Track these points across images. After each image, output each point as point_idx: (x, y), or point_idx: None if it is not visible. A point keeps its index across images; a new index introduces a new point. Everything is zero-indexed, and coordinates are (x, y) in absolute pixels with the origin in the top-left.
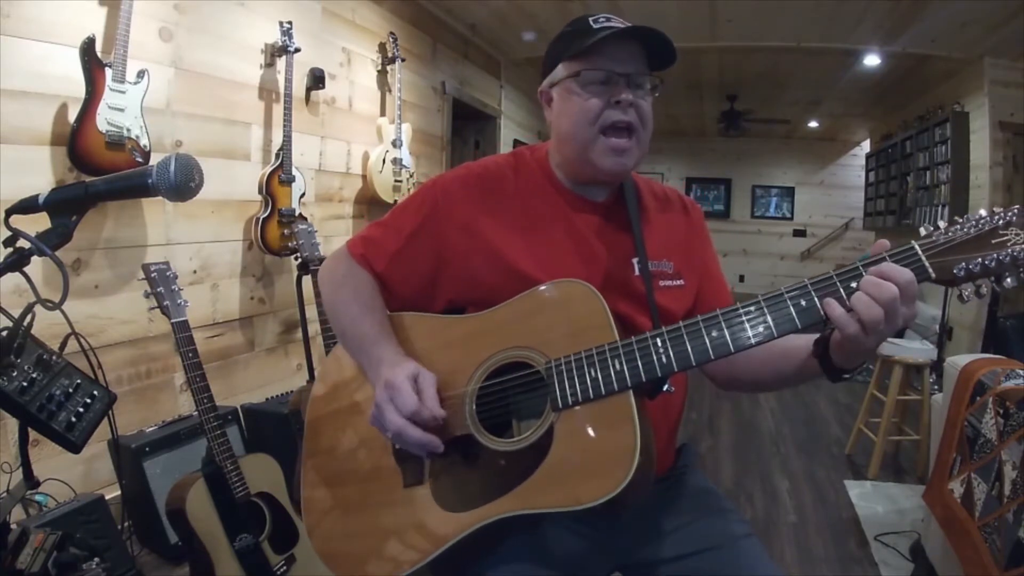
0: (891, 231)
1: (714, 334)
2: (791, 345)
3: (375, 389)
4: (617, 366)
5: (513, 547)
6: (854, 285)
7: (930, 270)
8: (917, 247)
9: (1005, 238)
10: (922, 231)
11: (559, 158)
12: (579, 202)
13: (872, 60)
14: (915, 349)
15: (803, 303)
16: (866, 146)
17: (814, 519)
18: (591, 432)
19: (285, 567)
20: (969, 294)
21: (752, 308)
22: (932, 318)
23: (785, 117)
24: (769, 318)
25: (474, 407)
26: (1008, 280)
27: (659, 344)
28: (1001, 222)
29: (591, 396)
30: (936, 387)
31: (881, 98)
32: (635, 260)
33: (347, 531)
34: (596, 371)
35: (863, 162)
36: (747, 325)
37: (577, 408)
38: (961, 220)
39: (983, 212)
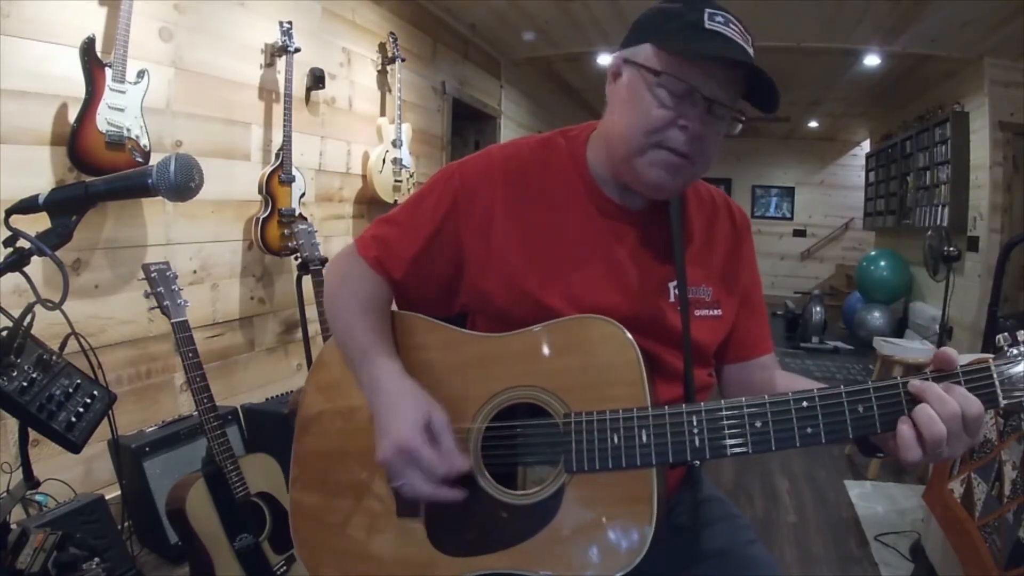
0: (891, 231)
1: (758, 424)
2: None
3: (373, 413)
4: (643, 438)
5: None
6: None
7: (1001, 398)
8: (994, 370)
9: None
10: (1000, 341)
11: (603, 151)
12: (615, 210)
13: (872, 60)
14: (915, 349)
15: (860, 409)
16: (866, 146)
17: (814, 519)
18: (603, 505)
19: (285, 567)
20: None
21: (804, 403)
22: (932, 318)
23: (786, 117)
24: (821, 421)
25: (479, 447)
26: None
27: (694, 424)
28: None
29: (609, 466)
30: None
31: (881, 98)
32: (671, 285)
33: (334, 547)
34: (619, 439)
35: (863, 162)
36: (795, 423)
37: (592, 474)
38: None
39: None
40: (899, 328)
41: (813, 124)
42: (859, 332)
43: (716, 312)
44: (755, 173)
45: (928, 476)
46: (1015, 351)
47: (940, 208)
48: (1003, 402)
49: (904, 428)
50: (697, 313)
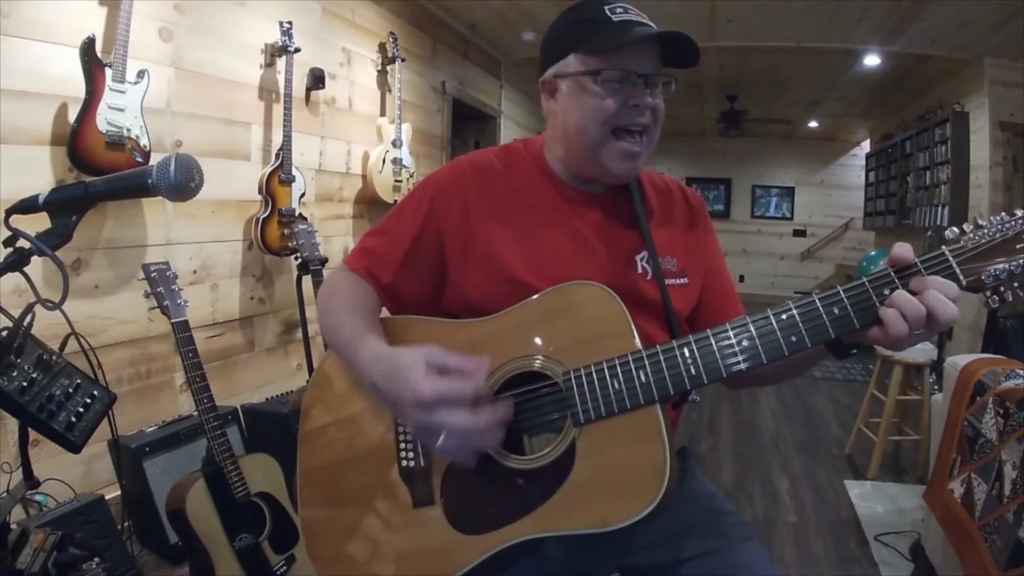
0: (891, 231)
1: (744, 343)
2: None
3: (376, 395)
4: (642, 378)
5: (517, 556)
6: (887, 292)
7: (961, 277)
8: (948, 254)
9: None
10: (948, 234)
11: (561, 152)
12: (578, 196)
13: (872, 60)
14: (915, 349)
15: (836, 311)
16: (866, 146)
17: (814, 519)
18: (617, 449)
19: (285, 567)
20: (995, 300)
21: (784, 316)
22: None
23: (786, 117)
24: (802, 327)
25: None
26: None
27: (686, 354)
28: None
29: (615, 410)
30: (936, 387)
31: (881, 98)
32: (638, 257)
33: (354, 558)
34: (619, 383)
35: (863, 162)
36: (779, 334)
37: (600, 422)
38: (985, 224)
39: (1004, 215)
40: None
41: (813, 124)
42: None
43: (683, 280)
44: (755, 173)
45: (928, 476)
46: (964, 238)
47: (940, 208)
48: (963, 280)
49: (889, 311)
50: (666, 282)
